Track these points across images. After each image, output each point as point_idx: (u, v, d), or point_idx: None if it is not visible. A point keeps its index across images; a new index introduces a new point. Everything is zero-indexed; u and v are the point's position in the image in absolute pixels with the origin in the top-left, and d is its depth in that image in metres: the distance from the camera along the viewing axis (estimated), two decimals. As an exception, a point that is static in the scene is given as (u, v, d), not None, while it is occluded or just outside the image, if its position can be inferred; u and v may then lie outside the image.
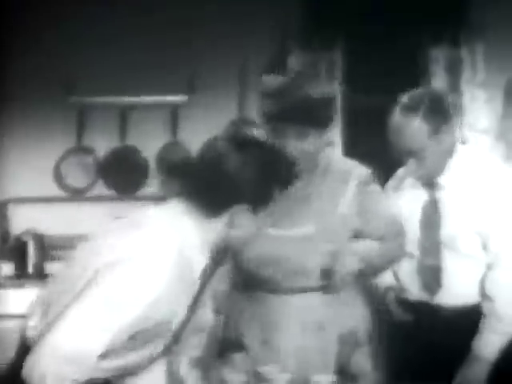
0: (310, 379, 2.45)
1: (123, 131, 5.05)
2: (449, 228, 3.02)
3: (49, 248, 4.88)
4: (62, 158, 5.04)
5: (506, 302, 2.90)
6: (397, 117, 2.95)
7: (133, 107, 5.01)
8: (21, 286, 4.56)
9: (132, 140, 5.05)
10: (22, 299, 4.31)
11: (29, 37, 4.88)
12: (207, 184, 2.36)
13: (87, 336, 2.16)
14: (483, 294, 2.95)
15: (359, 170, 2.95)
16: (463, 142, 3.21)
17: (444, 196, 3.05)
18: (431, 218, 3.06)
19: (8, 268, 4.81)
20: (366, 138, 5.06)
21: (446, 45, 4.80)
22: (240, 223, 2.33)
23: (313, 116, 2.80)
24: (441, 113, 2.98)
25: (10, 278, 4.79)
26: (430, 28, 4.74)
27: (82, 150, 5.05)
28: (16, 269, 4.80)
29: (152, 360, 2.40)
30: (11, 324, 4.25)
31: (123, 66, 4.89)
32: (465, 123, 4.76)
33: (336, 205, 2.87)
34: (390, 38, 4.78)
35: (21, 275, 4.78)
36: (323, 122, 2.85)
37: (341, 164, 2.99)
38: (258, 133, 2.45)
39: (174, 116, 5.03)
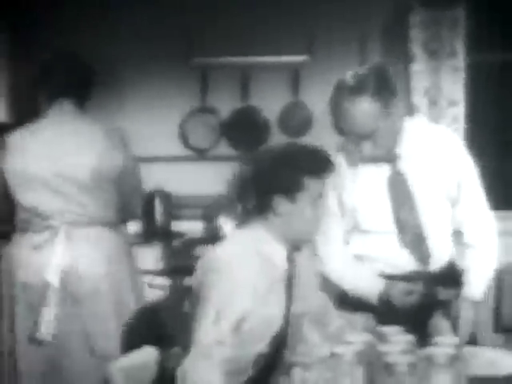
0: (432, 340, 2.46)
1: (245, 91, 5.10)
2: (420, 196, 3.04)
3: (174, 207, 5.01)
4: (187, 118, 5.13)
5: (485, 247, 3.10)
6: (342, 100, 2.89)
7: (255, 67, 5.06)
8: (148, 243, 4.69)
9: (254, 100, 5.10)
10: (149, 257, 4.47)
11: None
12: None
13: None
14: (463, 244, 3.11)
15: None
16: None
17: (405, 166, 3.04)
18: (400, 190, 3.05)
19: (136, 226, 4.95)
20: (489, 95, 4.98)
21: None
22: None
23: None
24: (388, 88, 2.93)
25: (138, 235, 4.90)
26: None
27: (205, 110, 5.13)
28: (144, 227, 4.95)
29: (261, 361, 2.58)
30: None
31: (245, 26, 4.93)
32: None
33: None
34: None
35: (148, 233, 4.91)
36: None
37: None
38: None
39: (295, 76, 5.05)
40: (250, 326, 2.58)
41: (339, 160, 3.10)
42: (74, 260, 3.59)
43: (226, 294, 2.53)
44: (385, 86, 2.92)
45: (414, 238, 3.06)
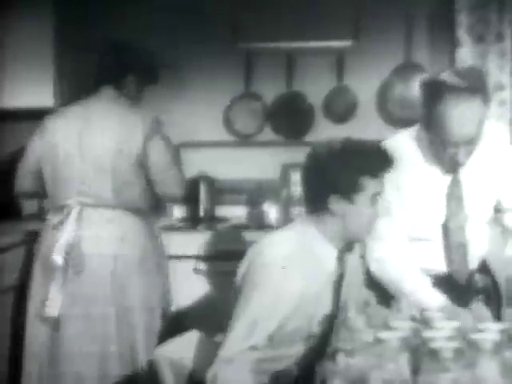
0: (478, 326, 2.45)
1: (290, 77, 5.09)
2: (469, 204, 2.99)
3: (219, 192, 5.02)
4: (231, 104, 5.13)
5: None
6: (453, 102, 2.72)
7: (299, 53, 5.04)
8: (192, 229, 4.70)
9: (298, 85, 5.08)
10: (193, 242, 4.48)
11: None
12: None
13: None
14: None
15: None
16: None
17: (463, 174, 2.98)
18: (456, 198, 2.97)
19: (180, 211, 4.98)
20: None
21: None
22: None
23: None
24: (488, 90, 2.82)
25: (182, 220, 4.94)
26: None
27: (250, 95, 5.13)
28: (188, 212, 4.97)
29: (298, 361, 2.59)
30: (183, 265, 4.41)
31: (289, 11, 4.91)
32: None
33: None
34: None
35: (192, 218, 4.93)
36: None
37: None
38: None
39: (340, 61, 5.02)
40: (291, 328, 2.56)
41: (408, 161, 2.98)
42: (80, 240, 3.65)
43: (268, 301, 2.50)
44: (486, 87, 2.82)
45: (457, 245, 3.02)
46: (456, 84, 2.74)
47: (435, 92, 2.78)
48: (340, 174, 2.58)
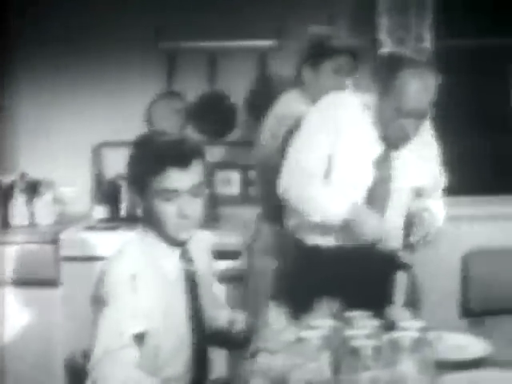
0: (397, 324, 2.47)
1: (212, 76, 5.07)
2: (396, 182, 3.12)
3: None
4: (153, 103, 5.09)
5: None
6: (411, 74, 2.90)
7: (222, 52, 5.03)
8: (113, 229, 4.65)
9: (221, 85, 5.07)
10: (114, 242, 4.42)
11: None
12: None
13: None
14: None
15: None
16: None
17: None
18: (384, 172, 3.10)
19: (101, 211, 4.91)
20: (457, 81, 4.98)
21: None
22: None
23: None
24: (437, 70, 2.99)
25: (102, 221, 4.88)
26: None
27: (171, 94, 5.09)
28: (109, 212, 4.91)
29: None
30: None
31: (212, 10, 4.89)
32: None
33: None
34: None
35: (113, 218, 4.87)
36: None
37: None
38: None
39: (262, 61, 5.02)
40: (157, 342, 2.51)
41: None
42: None
43: (116, 318, 2.42)
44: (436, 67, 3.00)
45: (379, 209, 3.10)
46: (415, 58, 2.98)
47: (395, 64, 2.96)
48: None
